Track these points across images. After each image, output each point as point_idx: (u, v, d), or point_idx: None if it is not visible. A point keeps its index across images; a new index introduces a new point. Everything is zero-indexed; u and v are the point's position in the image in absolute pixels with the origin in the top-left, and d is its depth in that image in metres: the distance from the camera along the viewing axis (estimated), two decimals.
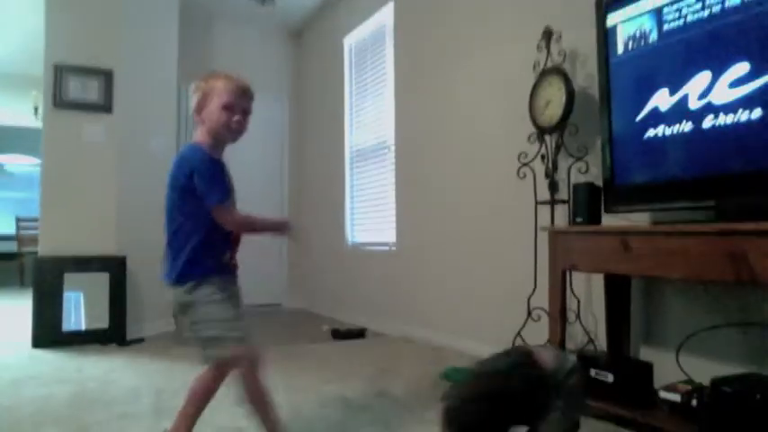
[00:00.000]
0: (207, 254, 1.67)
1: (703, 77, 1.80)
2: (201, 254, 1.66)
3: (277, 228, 1.89)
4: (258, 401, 1.68)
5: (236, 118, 1.67)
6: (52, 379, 2.77)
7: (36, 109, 6.67)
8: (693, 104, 1.83)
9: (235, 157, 1.81)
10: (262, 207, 5.55)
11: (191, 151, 1.67)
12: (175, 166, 1.70)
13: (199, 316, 1.64)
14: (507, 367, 1.41)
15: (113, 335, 3.67)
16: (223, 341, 1.64)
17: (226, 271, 1.72)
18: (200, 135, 1.70)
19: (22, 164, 8.62)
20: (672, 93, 1.90)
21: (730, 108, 1.72)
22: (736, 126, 1.71)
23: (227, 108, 1.65)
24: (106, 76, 3.88)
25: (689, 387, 1.90)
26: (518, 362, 1.44)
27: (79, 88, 3.82)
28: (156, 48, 4.33)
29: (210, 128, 1.67)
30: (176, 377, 2.77)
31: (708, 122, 1.79)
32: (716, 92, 1.76)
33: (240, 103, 1.68)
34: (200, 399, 1.76)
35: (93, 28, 3.92)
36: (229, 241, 1.72)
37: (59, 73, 3.77)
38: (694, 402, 1.81)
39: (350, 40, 4.98)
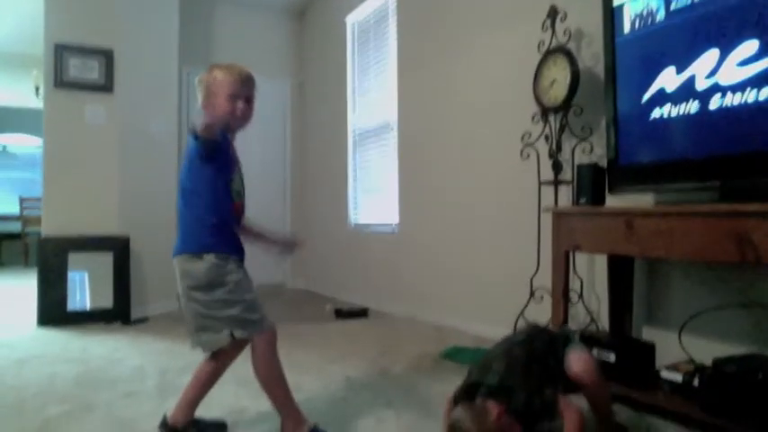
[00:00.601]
0: (218, 220, 1.68)
1: (711, 57, 1.77)
2: (215, 229, 1.67)
3: None
4: (274, 380, 1.69)
5: (240, 106, 1.70)
6: (57, 358, 2.79)
7: (37, 89, 6.64)
8: (700, 84, 1.81)
9: (237, 139, 1.81)
10: (264, 189, 5.57)
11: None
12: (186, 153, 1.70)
13: (218, 295, 1.64)
14: (526, 337, 1.65)
15: (118, 314, 3.70)
16: (244, 322, 1.64)
17: (236, 246, 1.73)
18: None
19: (26, 144, 8.61)
20: (679, 72, 1.88)
21: (738, 88, 1.70)
22: (744, 106, 1.69)
23: (232, 97, 1.69)
24: (107, 56, 3.85)
25: (691, 367, 1.91)
26: (532, 332, 1.70)
27: (80, 68, 3.80)
28: (157, 28, 4.29)
29: (219, 118, 1.69)
30: (180, 356, 2.79)
31: (715, 102, 1.77)
32: (723, 71, 1.74)
33: (243, 91, 1.71)
34: (204, 384, 1.78)
35: (93, 7, 3.88)
36: (231, 216, 1.73)
37: (59, 52, 3.75)
38: (696, 382, 1.81)
39: (352, 20, 4.92)
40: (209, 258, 1.63)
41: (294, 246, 1.96)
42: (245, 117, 1.74)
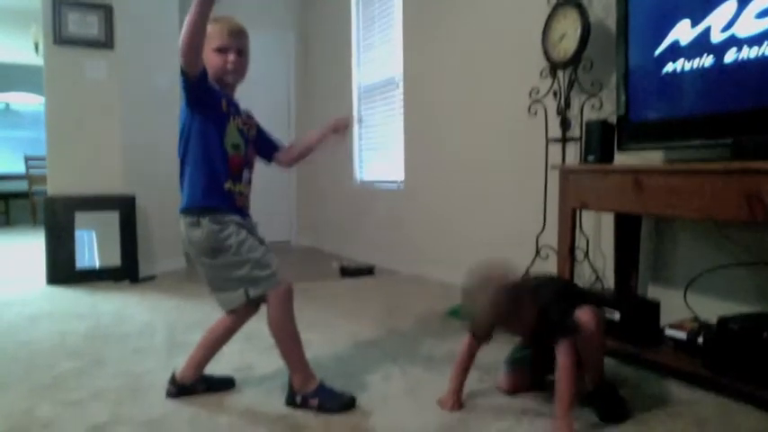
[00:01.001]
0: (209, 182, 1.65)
1: (728, 7, 1.71)
2: (207, 189, 1.65)
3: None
4: (288, 336, 1.69)
5: (230, 58, 1.66)
6: (68, 315, 2.83)
7: (36, 45, 6.54)
8: (716, 37, 1.75)
9: (241, 94, 1.78)
10: None
11: None
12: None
13: (223, 260, 1.63)
14: (546, 277, 1.88)
15: (126, 272, 3.74)
16: (256, 280, 1.64)
17: (233, 206, 1.68)
18: None
19: (29, 102, 8.55)
20: (694, 25, 1.82)
21: (755, 41, 1.64)
22: (761, 59, 1.64)
23: (221, 51, 1.65)
24: (106, 11, 3.77)
25: (696, 325, 1.92)
26: (548, 275, 1.93)
27: (79, 23, 3.73)
28: None
29: (212, 74, 1.66)
30: (188, 313, 2.83)
31: (730, 56, 1.71)
32: (741, 23, 1.68)
33: (233, 44, 1.66)
34: (214, 343, 1.79)
35: None
36: (227, 169, 1.68)
37: (58, 6, 3.67)
38: (700, 340, 1.82)
39: None
40: (206, 224, 1.62)
41: (344, 124, 1.90)
42: (238, 70, 1.69)
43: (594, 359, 1.61)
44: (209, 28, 1.61)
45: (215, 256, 1.64)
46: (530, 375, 1.80)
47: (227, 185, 1.67)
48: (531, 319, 1.59)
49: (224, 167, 1.66)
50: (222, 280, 1.67)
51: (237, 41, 1.68)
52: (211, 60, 1.65)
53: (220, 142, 1.65)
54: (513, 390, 1.79)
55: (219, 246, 1.62)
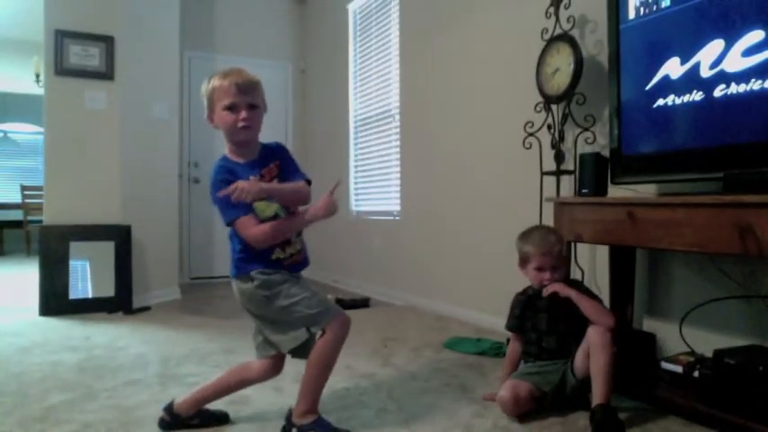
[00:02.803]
0: (257, 253, 1.65)
1: (716, 45, 1.75)
2: (252, 252, 1.65)
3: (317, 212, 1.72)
4: (328, 364, 1.68)
5: (241, 116, 1.61)
6: (60, 346, 2.80)
7: (38, 76, 6.61)
8: (705, 73, 1.79)
9: None
10: None
11: (214, 167, 1.67)
12: None
13: (278, 304, 1.64)
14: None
15: (120, 303, 3.71)
16: (313, 317, 1.64)
17: (281, 268, 1.69)
18: (226, 145, 1.71)
19: (27, 132, 8.60)
20: (683, 61, 1.86)
21: (743, 77, 1.68)
22: (749, 95, 1.67)
23: (230, 109, 1.61)
24: (107, 43, 3.83)
25: (691, 358, 1.91)
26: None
27: (80, 55, 3.78)
28: (158, 13, 4.26)
29: (224, 132, 1.66)
30: (182, 345, 2.81)
31: (719, 92, 1.75)
32: (728, 60, 1.72)
33: (242, 100, 1.61)
34: (223, 390, 1.78)
35: None
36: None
37: (60, 39, 3.73)
38: (696, 374, 1.81)
39: (354, 6, 4.89)
40: (256, 275, 1.63)
41: (332, 204, 1.76)
42: (250, 127, 1.64)
43: (605, 374, 1.69)
44: (218, 83, 1.62)
45: (269, 304, 1.64)
46: (532, 392, 1.82)
47: (275, 256, 1.67)
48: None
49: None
50: (282, 324, 1.66)
51: (247, 97, 1.62)
52: (222, 119, 1.62)
53: (258, 221, 1.62)
54: (515, 401, 1.78)
55: (270, 293, 1.64)
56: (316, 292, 1.70)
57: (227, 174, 1.63)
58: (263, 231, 1.60)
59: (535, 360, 1.94)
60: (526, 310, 1.98)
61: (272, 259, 1.67)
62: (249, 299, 1.67)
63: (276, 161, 1.73)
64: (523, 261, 1.97)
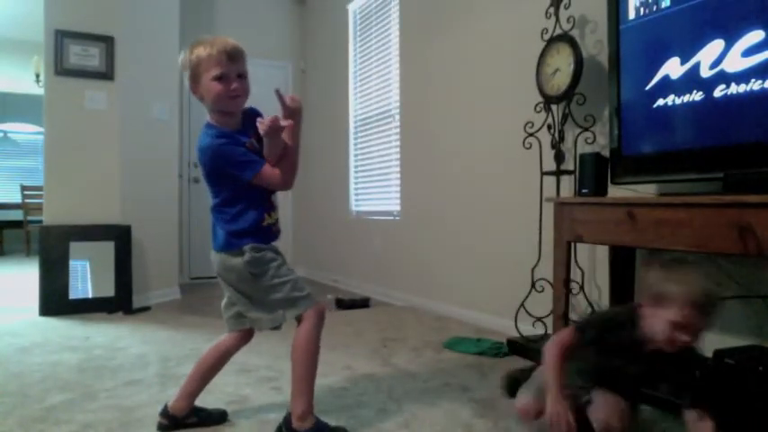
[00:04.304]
0: (250, 222, 1.65)
1: (716, 45, 1.75)
2: (245, 223, 1.65)
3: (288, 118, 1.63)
4: (311, 357, 1.66)
5: (233, 86, 1.58)
6: (60, 346, 2.80)
7: (38, 76, 6.61)
8: (705, 73, 1.79)
9: None
10: None
11: (203, 139, 1.64)
12: (198, 153, 1.67)
13: (266, 281, 1.64)
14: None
15: (120, 303, 3.71)
16: (295, 300, 1.64)
17: (270, 237, 1.70)
18: (209, 114, 1.68)
19: (27, 132, 8.60)
20: (683, 61, 1.86)
21: (743, 77, 1.68)
22: (748, 95, 1.67)
23: (220, 78, 1.57)
24: (107, 43, 3.83)
25: None
26: None
27: (80, 55, 3.78)
28: (158, 14, 4.26)
29: (212, 102, 1.62)
30: (182, 345, 2.81)
31: (719, 92, 1.75)
32: (728, 60, 1.72)
33: (231, 69, 1.58)
34: (204, 375, 1.78)
35: None
36: (267, 206, 1.69)
37: (60, 39, 3.73)
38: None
39: (354, 6, 4.89)
40: (248, 251, 1.62)
41: (288, 108, 1.66)
42: (241, 95, 1.62)
43: None
44: (204, 53, 1.56)
45: (256, 280, 1.64)
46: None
47: (266, 222, 1.68)
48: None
49: (264, 203, 1.67)
50: (260, 302, 1.67)
51: (237, 65, 1.59)
52: (212, 90, 1.57)
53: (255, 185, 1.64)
54: (536, 416, 1.57)
55: (259, 270, 1.63)
56: (299, 278, 1.71)
57: (228, 137, 1.62)
58: (290, 167, 1.64)
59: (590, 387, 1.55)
60: (623, 350, 1.49)
61: (264, 226, 1.67)
62: (236, 274, 1.65)
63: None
64: (656, 300, 1.42)
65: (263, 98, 1.72)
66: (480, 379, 2.24)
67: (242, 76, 1.61)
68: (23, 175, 8.37)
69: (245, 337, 1.78)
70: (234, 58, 1.58)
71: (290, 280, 1.65)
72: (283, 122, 1.58)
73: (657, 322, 1.41)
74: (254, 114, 1.70)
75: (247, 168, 1.60)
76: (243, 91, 1.62)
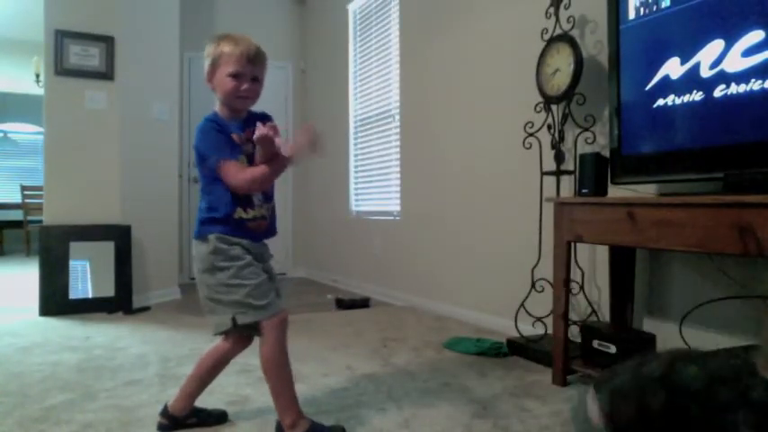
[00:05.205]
0: (221, 213, 1.62)
1: (716, 45, 1.75)
2: (215, 212, 1.62)
3: (286, 155, 1.57)
4: (276, 369, 1.64)
5: (244, 87, 1.61)
6: (60, 346, 2.80)
7: (38, 76, 6.62)
8: (705, 73, 1.79)
9: None
10: None
11: (201, 122, 1.64)
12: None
13: (221, 278, 1.60)
14: None
15: (120, 303, 3.71)
16: (248, 307, 1.60)
17: (244, 231, 1.64)
18: (216, 103, 1.69)
19: (27, 132, 8.61)
20: (683, 61, 1.86)
21: (743, 77, 1.68)
22: (749, 96, 1.67)
23: (235, 76, 1.60)
24: (107, 43, 3.83)
25: None
26: None
27: (80, 55, 3.78)
28: (158, 13, 4.26)
29: (222, 96, 1.64)
30: (182, 345, 2.81)
31: (719, 92, 1.75)
32: (728, 61, 1.72)
33: (248, 70, 1.61)
34: (204, 376, 1.77)
35: None
36: (242, 200, 1.64)
37: (60, 39, 3.73)
38: None
39: (354, 6, 4.89)
40: (212, 240, 1.60)
41: (314, 137, 1.58)
42: (250, 98, 1.65)
43: None
44: (228, 48, 1.60)
45: (214, 273, 1.61)
46: None
47: (238, 215, 1.63)
48: None
49: (239, 197, 1.62)
50: (215, 301, 1.62)
51: (255, 68, 1.63)
52: (225, 84, 1.61)
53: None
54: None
55: (220, 265, 1.60)
56: (271, 282, 1.67)
57: (217, 123, 1.63)
58: (252, 175, 1.58)
59: None
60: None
61: (235, 218, 1.62)
62: (201, 263, 1.63)
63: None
64: None
65: (264, 98, 1.73)
66: (480, 379, 2.24)
67: (256, 80, 1.65)
68: (23, 175, 8.38)
69: (242, 341, 1.73)
70: (253, 60, 1.62)
71: (250, 284, 1.59)
72: (278, 140, 1.57)
73: None
74: (261, 117, 1.71)
75: (215, 154, 1.59)
76: (253, 93, 1.65)
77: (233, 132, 1.63)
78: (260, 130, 1.56)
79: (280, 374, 1.65)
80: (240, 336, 1.71)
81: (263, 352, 1.63)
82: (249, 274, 1.61)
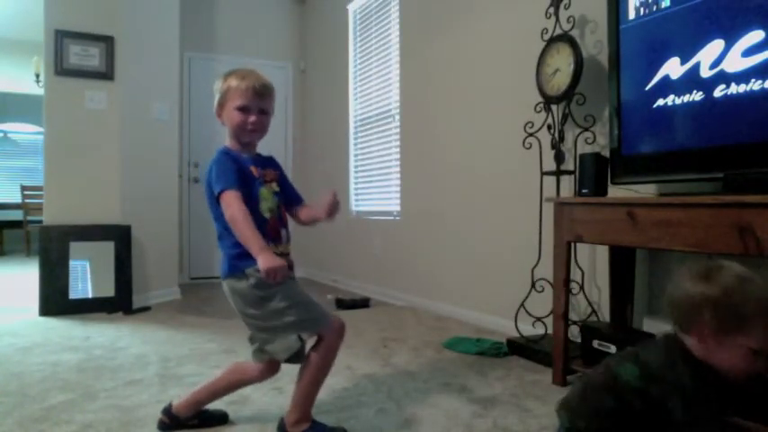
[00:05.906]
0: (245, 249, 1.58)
1: (716, 46, 1.75)
2: (241, 249, 1.58)
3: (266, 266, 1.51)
4: (321, 373, 1.66)
5: (251, 119, 1.64)
6: (60, 346, 2.80)
7: (37, 76, 6.61)
8: (705, 73, 1.79)
9: None
10: None
11: (215, 155, 1.66)
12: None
13: (271, 307, 1.59)
14: None
15: (119, 303, 3.71)
16: (306, 322, 1.61)
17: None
18: (226, 137, 1.71)
19: (27, 132, 8.61)
20: (683, 61, 1.86)
21: (743, 77, 1.68)
22: (748, 95, 1.67)
23: (242, 110, 1.63)
24: (107, 43, 3.83)
25: None
26: None
27: (80, 55, 3.78)
28: (158, 14, 4.26)
29: (231, 129, 1.67)
30: (182, 345, 2.81)
31: (719, 92, 1.75)
32: (728, 61, 1.72)
33: (255, 103, 1.64)
34: (218, 392, 1.77)
35: None
36: (266, 233, 1.62)
37: (60, 39, 3.73)
38: None
39: (354, 6, 4.89)
40: (253, 273, 1.57)
41: (335, 204, 1.74)
42: (257, 131, 1.67)
43: None
44: (235, 83, 1.63)
45: (263, 305, 1.60)
46: None
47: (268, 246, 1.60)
48: None
49: (264, 233, 1.59)
50: (271, 330, 1.62)
51: (262, 101, 1.65)
52: (233, 118, 1.64)
53: (257, 208, 1.62)
54: None
55: (267, 293, 1.59)
56: (311, 298, 1.68)
57: (230, 156, 1.64)
58: (241, 212, 1.53)
59: None
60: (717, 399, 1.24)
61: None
62: (243, 299, 1.61)
63: (274, 170, 1.76)
64: (734, 326, 1.16)
65: None
66: (480, 379, 2.24)
67: (264, 113, 1.68)
68: (23, 175, 8.38)
69: (271, 369, 1.72)
70: (261, 94, 1.65)
71: (301, 301, 1.62)
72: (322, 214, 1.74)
73: (736, 352, 1.16)
74: (272, 161, 1.79)
75: (223, 181, 1.57)
76: (260, 126, 1.68)
77: (248, 165, 1.65)
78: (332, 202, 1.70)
79: (319, 379, 1.66)
80: (272, 362, 1.70)
81: (314, 353, 1.63)
82: (294, 294, 1.63)
